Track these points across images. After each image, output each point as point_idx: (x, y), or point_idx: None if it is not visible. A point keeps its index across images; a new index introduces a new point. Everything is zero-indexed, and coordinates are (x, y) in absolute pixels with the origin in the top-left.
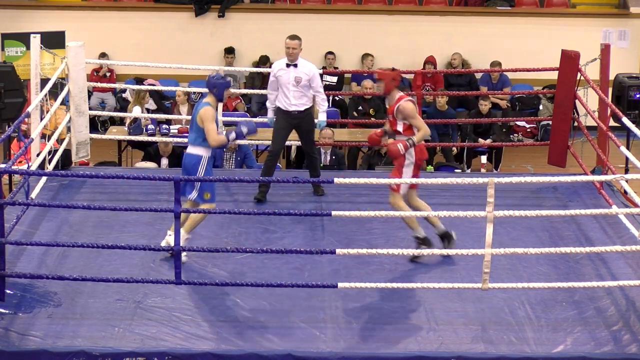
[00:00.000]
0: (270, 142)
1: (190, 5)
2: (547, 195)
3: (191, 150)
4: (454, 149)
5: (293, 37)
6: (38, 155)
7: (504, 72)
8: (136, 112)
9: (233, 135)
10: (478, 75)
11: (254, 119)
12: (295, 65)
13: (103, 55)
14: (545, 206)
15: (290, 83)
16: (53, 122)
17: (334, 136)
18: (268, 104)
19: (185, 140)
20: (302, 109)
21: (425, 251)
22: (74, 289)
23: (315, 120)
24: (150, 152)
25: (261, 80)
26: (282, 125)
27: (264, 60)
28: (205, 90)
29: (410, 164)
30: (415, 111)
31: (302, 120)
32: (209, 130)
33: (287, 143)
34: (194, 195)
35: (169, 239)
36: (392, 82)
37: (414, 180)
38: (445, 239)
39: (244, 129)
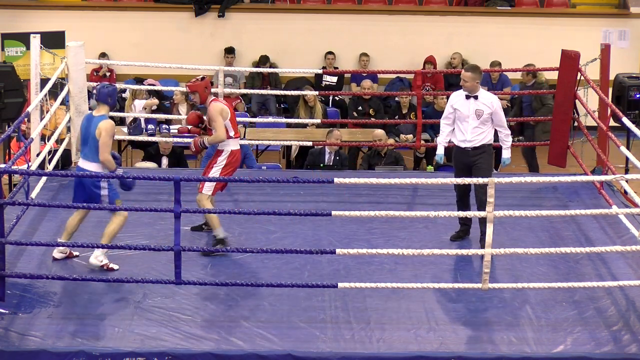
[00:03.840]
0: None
1: (190, 5)
2: (547, 195)
3: None
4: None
5: (467, 69)
6: (38, 155)
7: (504, 72)
8: (137, 105)
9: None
10: None
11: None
12: (476, 97)
13: (103, 55)
14: (545, 206)
15: (469, 116)
16: (53, 122)
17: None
18: (440, 138)
19: (186, 140)
20: (478, 144)
21: (425, 251)
22: (74, 289)
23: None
24: (151, 152)
25: (261, 80)
26: (459, 167)
27: (264, 60)
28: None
29: (219, 169)
30: (218, 114)
31: (478, 158)
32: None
33: (288, 143)
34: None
35: None
36: (206, 91)
37: (222, 180)
38: (220, 243)
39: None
